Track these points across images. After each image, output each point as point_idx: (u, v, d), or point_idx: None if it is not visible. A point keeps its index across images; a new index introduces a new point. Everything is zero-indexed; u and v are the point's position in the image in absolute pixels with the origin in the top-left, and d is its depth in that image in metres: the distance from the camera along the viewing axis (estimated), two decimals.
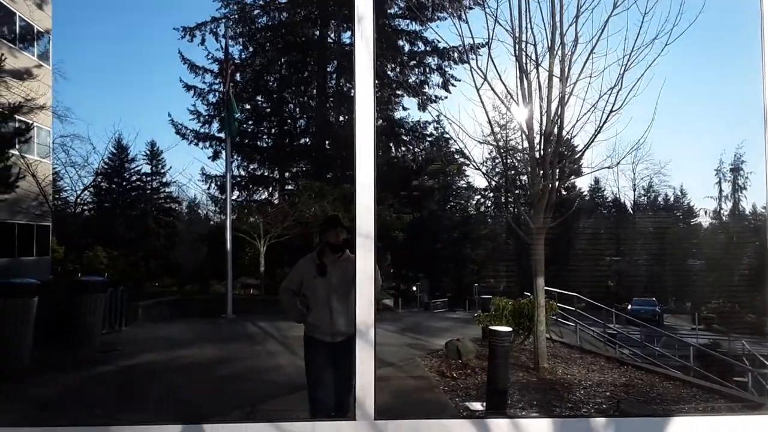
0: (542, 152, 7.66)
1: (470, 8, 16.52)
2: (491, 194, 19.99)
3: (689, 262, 23.81)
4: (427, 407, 6.37)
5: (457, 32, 13.85)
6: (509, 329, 6.03)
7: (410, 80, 22.41)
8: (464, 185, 24.52)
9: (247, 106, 23.23)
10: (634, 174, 28.13)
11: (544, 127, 7.52)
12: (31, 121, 15.12)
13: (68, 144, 17.56)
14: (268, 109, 23.53)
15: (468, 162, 19.32)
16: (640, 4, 7.87)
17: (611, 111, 7.39)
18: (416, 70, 22.48)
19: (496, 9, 7.95)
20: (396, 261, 18.95)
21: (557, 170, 7.84)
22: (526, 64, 7.72)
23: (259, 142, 23.75)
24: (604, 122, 7.40)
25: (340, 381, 3.98)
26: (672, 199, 27.87)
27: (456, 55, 20.40)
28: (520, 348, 9.73)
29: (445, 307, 18.95)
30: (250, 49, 22.63)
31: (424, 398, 6.71)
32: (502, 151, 13.41)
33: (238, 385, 6.99)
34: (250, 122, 23.44)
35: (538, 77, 7.56)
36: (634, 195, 27.93)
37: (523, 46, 7.54)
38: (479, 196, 23.44)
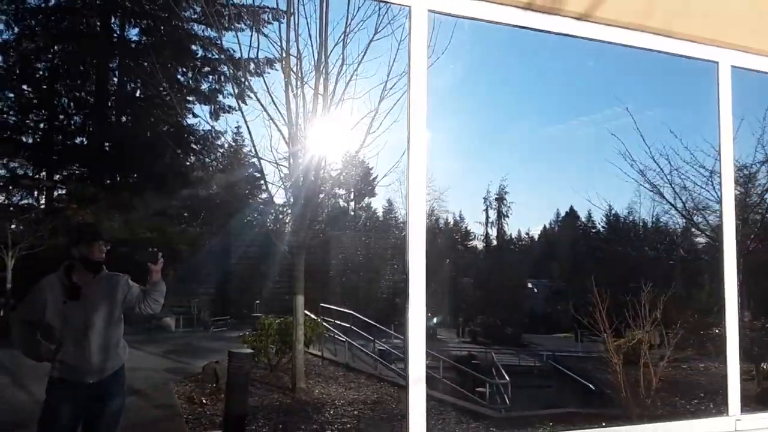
0: (305, 166, 7.62)
1: (269, 22, 16.23)
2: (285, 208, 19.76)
3: (463, 279, 26.24)
4: None
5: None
6: (249, 351, 5.73)
7: (203, 87, 21.40)
8: (260, 200, 24.04)
9: (10, 94, 20.06)
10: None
11: (308, 143, 7.49)
12: None
13: None
14: (35, 101, 20.61)
15: (259, 176, 18.82)
16: (396, 33, 8.12)
17: (369, 132, 7.59)
18: (210, 77, 21.51)
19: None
20: (181, 277, 17.72)
21: (317, 186, 7.83)
22: (295, 79, 7.67)
23: (24, 138, 20.61)
24: (363, 142, 7.58)
25: (95, 426, 3.29)
26: (451, 222, 30.67)
27: (252, 66, 19.92)
28: (286, 368, 9.50)
29: (227, 326, 18.10)
30: (15, 29, 19.58)
31: (161, 429, 6.08)
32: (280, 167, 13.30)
33: None
34: (10, 113, 20.26)
35: (303, 93, 7.55)
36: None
37: (292, 61, 7.48)
38: (275, 212, 22.98)
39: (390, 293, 23.55)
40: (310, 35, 7.62)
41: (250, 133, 7.64)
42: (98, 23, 20.24)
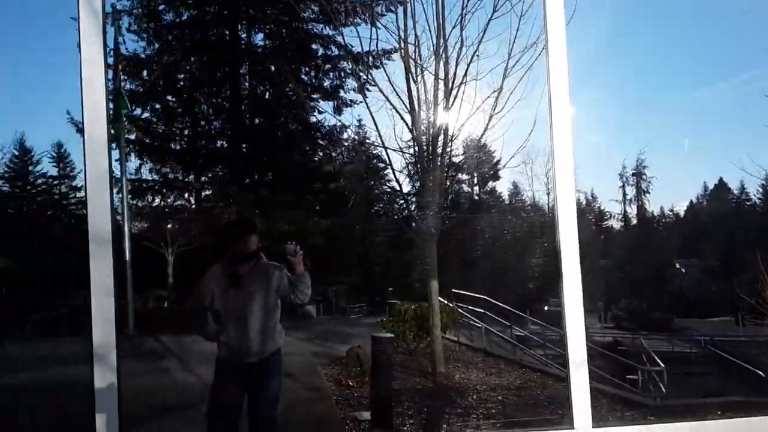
0: (431, 153, 7.56)
1: (381, 15, 16.33)
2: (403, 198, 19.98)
3: (601, 262, 24.83)
4: (313, 420, 6.05)
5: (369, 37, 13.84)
6: (390, 335, 5.82)
7: (325, 84, 22.13)
8: (387, 190, 24.52)
9: (157, 106, 22.12)
10: (547, 179, 29.19)
11: (431, 131, 7.43)
12: None
13: None
14: (180, 109, 22.54)
15: (385, 166, 19.10)
16: (516, 8, 7.77)
17: (494, 113, 7.34)
18: (331, 74, 22.17)
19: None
20: (316, 267, 18.56)
21: (445, 173, 7.73)
22: (414, 68, 7.64)
23: (172, 144, 22.67)
24: (488, 125, 7.35)
25: (255, 403, 3.51)
26: (584, 202, 29.08)
27: (370, 59, 20.27)
28: (425, 353, 9.58)
29: (363, 313, 18.67)
30: (156, 45, 21.50)
31: (313, 410, 6.38)
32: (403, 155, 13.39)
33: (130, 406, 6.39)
34: (159, 122, 22.34)
35: (423, 80, 7.49)
36: (548, 198, 28.96)
37: (410, 49, 7.45)
38: (403, 201, 23.21)
39: (523, 278, 22.97)
40: (427, 20, 7.57)
41: (375, 123, 7.71)
42: (227, 32, 21.64)
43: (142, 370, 8.35)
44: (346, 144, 22.26)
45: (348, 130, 22.17)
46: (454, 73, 7.35)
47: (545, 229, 25.85)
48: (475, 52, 7.49)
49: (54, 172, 29.44)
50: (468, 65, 7.42)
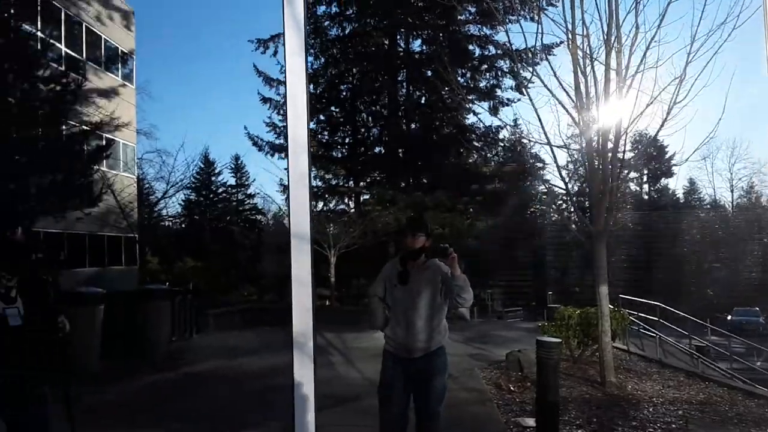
0: (600, 149, 7.12)
1: (544, 9, 15.83)
2: (567, 199, 18.99)
3: None
4: (476, 422, 6.01)
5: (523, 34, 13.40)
6: (557, 340, 5.55)
7: (481, 84, 21.98)
8: (544, 190, 23.71)
9: (321, 117, 23.64)
10: (731, 174, 26.08)
11: (601, 124, 7.00)
12: (114, 138, 16.13)
13: (154, 159, 18.52)
14: (341, 119, 23.84)
15: (543, 165, 18.43)
16: None
17: (674, 103, 6.69)
18: (487, 74, 21.99)
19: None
20: (469, 269, 18.45)
21: (616, 168, 7.21)
22: (582, 59, 7.26)
23: (334, 153, 24.08)
24: (667, 116, 6.71)
25: (419, 398, 3.57)
26: None
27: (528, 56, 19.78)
28: (590, 360, 9.07)
29: (519, 317, 18.19)
30: (322, 59, 22.97)
31: (473, 412, 6.35)
32: (569, 153, 12.72)
33: (285, 396, 6.95)
34: (324, 132, 23.83)
35: (593, 71, 7.07)
36: (733, 196, 25.87)
37: (578, 40, 7.08)
38: (560, 202, 22.23)
39: (701, 284, 20.82)
40: (597, 8, 7.15)
41: (539, 119, 7.43)
42: (386, 42, 22.46)
43: None
44: (502, 144, 21.95)
45: (504, 129, 21.89)
46: (628, 63, 6.87)
47: (728, 230, 23.17)
48: (652, 38, 6.95)
49: (232, 181, 32.93)
50: (645, 53, 6.91)
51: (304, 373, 1.60)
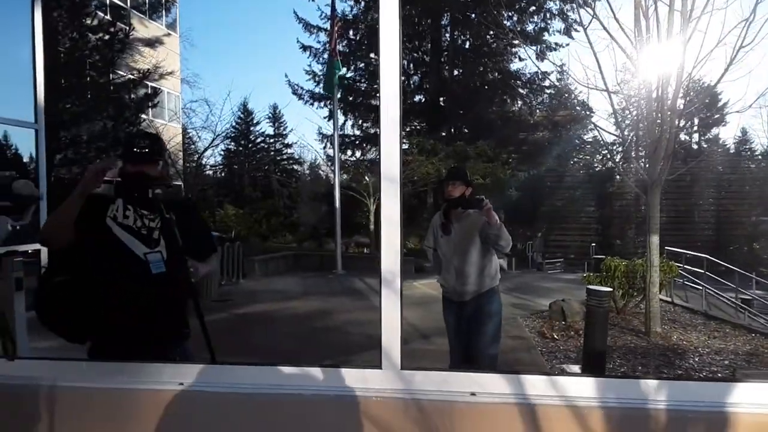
0: (659, 96, 6.88)
1: None
2: (615, 148, 18.48)
3: None
4: (520, 368, 6.15)
5: None
6: (608, 289, 5.58)
7: (528, 29, 21.15)
8: (590, 139, 23.12)
9: (361, 65, 23.31)
10: None
11: (661, 69, 6.73)
12: (160, 87, 16.33)
13: (196, 109, 18.71)
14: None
15: (592, 113, 17.87)
16: None
17: (741, 46, 6.36)
18: (535, 16, 21.10)
19: None
20: (510, 219, 18.38)
21: (676, 115, 6.98)
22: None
23: (372, 101, 23.81)
24: (733, 59, 6.41)
25: (474, 338, 3.74)
26: None
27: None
28: (634, 312, 9.07)
29: (560, 268, 18.12)
30: (362, 4, 22.43)
31: (518, 358, 6.49)
32: (623, 99, 12.27)
33: (333, 336, 7.23)
34: (363, 81, 23.53)
35: (656, 13, 6.75)
36: None
37: None
38: (605, 151, 21.58)
39: (749, 237, 20.24)
40: None
41: (598, 62, 7.16)
42: None
43: (350, 306, 9.24)
44: (548, 91, 21.30)
45: (551, 76, 21.17)
46: (693, 4, 6.53)
47: None
48: None
49: (270, 131, 33.09)
50: None
51: (391, 308, 1.69)
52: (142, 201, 2.19)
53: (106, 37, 13.41)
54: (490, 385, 1.72)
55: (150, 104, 15.70)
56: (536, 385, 1.72)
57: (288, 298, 10.34)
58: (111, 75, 14.24)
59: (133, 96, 14.83)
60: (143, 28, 16.27)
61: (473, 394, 1.70)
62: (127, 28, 14.36)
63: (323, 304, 9.54)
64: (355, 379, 1.75)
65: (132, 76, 14.73)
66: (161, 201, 2.18)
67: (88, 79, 13.37)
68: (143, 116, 14.44)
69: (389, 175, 1.68)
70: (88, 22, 13.12)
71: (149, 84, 15.70)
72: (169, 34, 18.09)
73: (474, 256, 3.67)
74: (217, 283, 9.94)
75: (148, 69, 14.85)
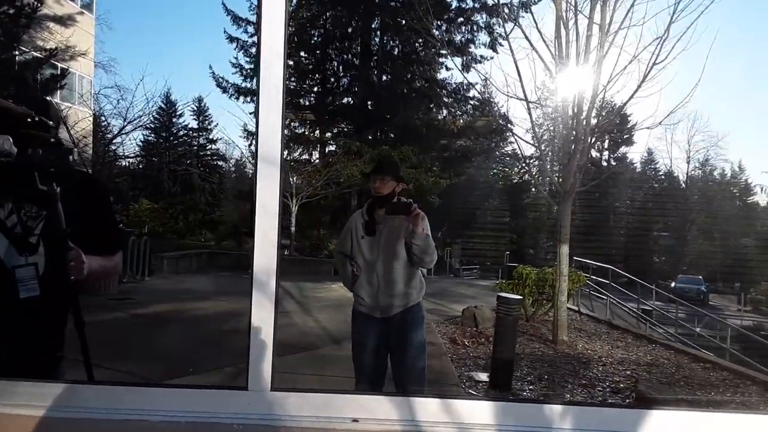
0: (575, 109, 7.04)
1: None
2: (531, 160, 19.05)
3: (742, 240, 22.64)
4: (429, 375, 6.03)
5: None
6: (518, 297, 5.59)
7: (456, 39, 21.53)
8: (508, 151, 23.80)
9: (290, 62, 22.86)
10: (689, 146, 26.67)
11: (578, 83, 6.90)
12: (68, 68, 15.19)
13: (111, 95, 17.52)
14: (311, 66, 23.14)
15: (511, 125, 18.34)
16: None
17: (654, 63, 6.63)
18: (463, 28, 21.53)
19: None
20: (431, 226, 18.46)
21: (590, 128, 7.17)
22: (566, 11, 7.09)
23: (301, 101, 23.43)
24: (647, 75, 6.66)
25: (399, 357, 3.20)
26: (728, 174, 26.28)
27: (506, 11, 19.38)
28: (542, 319, 9.27)
29: (476, 275, 18.47)
30: (293, 1, 22.06)
31: (429, 365, 6.36)
32: (542, 112, 12.60)
33: (237, 340, 6.84)
34: (292, 79, 23.10)
35: (576, 25, 6.92)
36: (688, 168, 26.50)
37: None
38: (524, 163, 22.23)
39: (650, 250, 21.58)
40: None
41: (518, 71, 7.23)
42: None
43: None
44: (472, 102, 21.75)
45: (475, 87, 21.70)
46: (611, 18, 6.72)
47: (679, 203, 23.93)
48: None
49: (194, 124, 31.81)
50: (630, 8, 6.77)
51: (263, 316, 1.43)
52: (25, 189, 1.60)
53: (11, 10, 12.27)
54: (377, 409, 1.50)
55: (58, 85, 14.56)
56: (429, 408, 1.52)
57: (195, 298, 9.82)
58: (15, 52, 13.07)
59: (39, 77, 13.70)
60: (57, 5, 15.12)
61: (356, 420, 1.47)
62: (36, 3, 13.23)
63: (232, 305, 9.08)
64: (215, 402, 1.47)
65: (39, 55, 13.60)
66: (56, 177, 1.59)
67: None
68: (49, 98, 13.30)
69: (268, 156, 1.42)
70: None
71: (58, 65, 14.57)
72: (82, 13, 16.92)
73: (402, 263, 3.14)
74: (117, 279, 9.24)
75: (56, 48, 13.76)
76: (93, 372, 1.68)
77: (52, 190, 1.59)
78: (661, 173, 27.32)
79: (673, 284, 19.83)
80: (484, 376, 5.99)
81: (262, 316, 1.49)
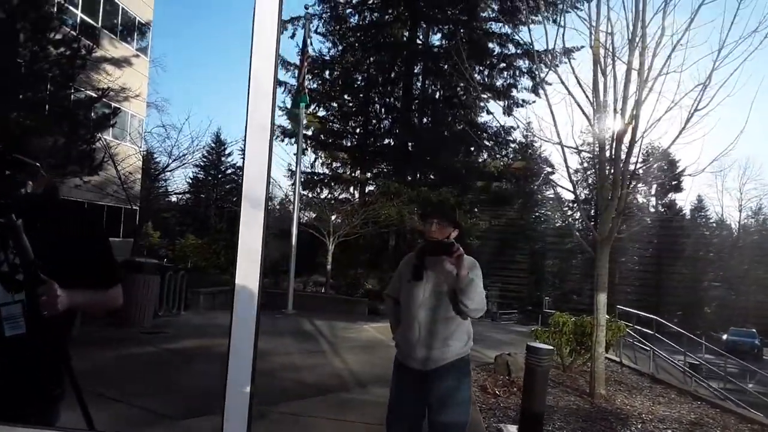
0: (613, 153, 6.88)
1: (567, 11, 15.50)
2: (574, 205, 18.67)
3: None
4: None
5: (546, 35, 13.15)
6: (550, 347, 5.34)
7: (497, 83, 21.71)
8: (551, 195, 23.47)
9: (334, 104, 23.46)
10: (741, 194, 25.70)
11: (617, 127, 6.77)
12: (121, 108, 15.94)
13: (163, 134, 18.17)
14: (354, 108, 23.66)
15: (553, 170, 18.12)
16: None
17: (696, 109, 6.44)
18: (505, 73, 21.74)
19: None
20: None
21: (629, 174, 6.97)
22: (603, 57, 7.02)
23: (344, 141, 23.91)
24: (688, 121, 6.47)
25: (433, 420, 2.94)
26: None
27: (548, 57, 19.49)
28: (580, 370, 8.87)
29: (514, 319, 18.00)
30: (340, 47, 22.81)
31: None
32: (584, 157, 12.41)
33: (262, 380, 6.78)
34: (335, 120, 23.68)
35: (614, 71, 6.82)
36: (740, 216, 25.46)
37: (601, 37, 6.83)
38: (566, 207, 21.89)
39: (701, 301, 20.63)
40: (624, 6, 6.88)
41: (553, 118, 7.15)
42: (406, 33, 22.23)
43: (291, 349, 8.79)
44: (513, 145, 21.73)
45: (517, 131, 21.69)
46: (650, 64, 6.60)
47: (732, 251, 22.93)
48: (678, 41, 6.69)
49: (241, 163, 32.81)
50: (669, 54, 6.66)
51: (240, 368, 1.37)
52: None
53: (68, 52, 13.03)
54: None
55: (109, 123, 15.28)
56: None
57: (224, 335, 9.81)
58: (71, 91, 13.83)
59: (93, 115, 14.43)
60: (112, 48, 16.05)
61: None
62: (92, 45, 14.05)
63: (262, 344, 9.05)
64: None
65: (93, 95, 14.35)
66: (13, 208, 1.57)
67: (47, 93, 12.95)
68: (99, 135, 13.97)
69: (252, 195, 1.39)
70: (52, 35, 12.76)
71: (111, 104, 15.33)
72: (137, 56, 17.87)
73: (446, 312, 2.92)
74: (152, 313, 9.39)
75: (110, 88, 14.50)
76: (91, 415, 1.67)
77: (11, 221, 1.56)
78: (712, 221, 26.40)
79: (725, 337, 18.89)
80: (513, 429, 5.73)
81: (240, 363, 1.42)
